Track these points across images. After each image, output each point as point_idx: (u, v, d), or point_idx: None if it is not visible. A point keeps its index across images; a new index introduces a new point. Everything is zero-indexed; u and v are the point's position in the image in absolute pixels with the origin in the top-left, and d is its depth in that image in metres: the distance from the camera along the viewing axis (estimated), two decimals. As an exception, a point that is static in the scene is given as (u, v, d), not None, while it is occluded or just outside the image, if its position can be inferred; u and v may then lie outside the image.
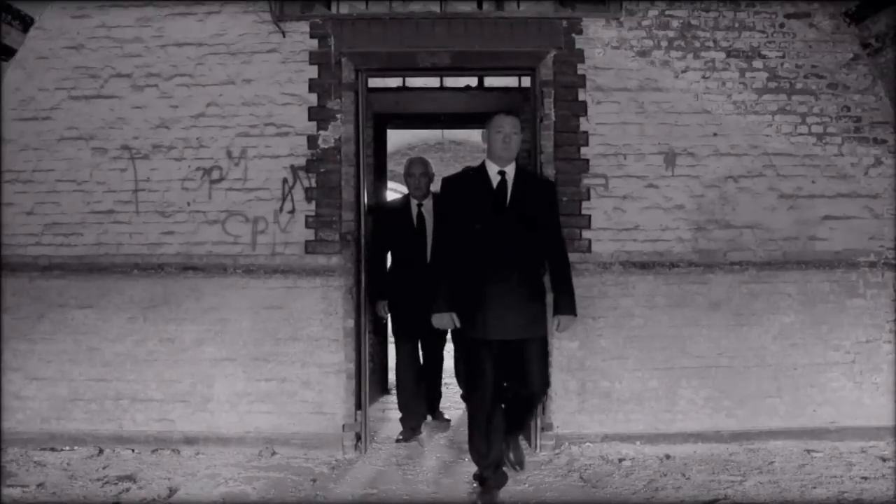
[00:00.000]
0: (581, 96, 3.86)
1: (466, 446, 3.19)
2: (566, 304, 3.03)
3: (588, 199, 3.86)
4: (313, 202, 3.85)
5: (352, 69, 3.85)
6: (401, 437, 4.04)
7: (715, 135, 3.89)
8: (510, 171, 3.03)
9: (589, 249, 3.84)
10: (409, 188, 4.21)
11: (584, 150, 3.86)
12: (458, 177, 3.12)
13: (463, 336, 3.03)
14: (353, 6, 3.89)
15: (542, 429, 3.77)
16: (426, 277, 3.74)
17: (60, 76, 3.91)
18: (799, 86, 3.92)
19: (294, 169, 3.86)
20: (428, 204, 4.19)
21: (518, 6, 3.86)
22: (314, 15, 3.88)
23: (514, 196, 2.97)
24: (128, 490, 3.21)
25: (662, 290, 3.86)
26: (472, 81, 5.12)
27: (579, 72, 3.86)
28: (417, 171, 4.14)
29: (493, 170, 3.03)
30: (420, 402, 4.18)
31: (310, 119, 3.86)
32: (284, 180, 3.85)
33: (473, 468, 3.22)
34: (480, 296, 2.90)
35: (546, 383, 3.07)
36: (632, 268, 3.86)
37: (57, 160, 3.90)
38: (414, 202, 4.19)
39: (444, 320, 2.95)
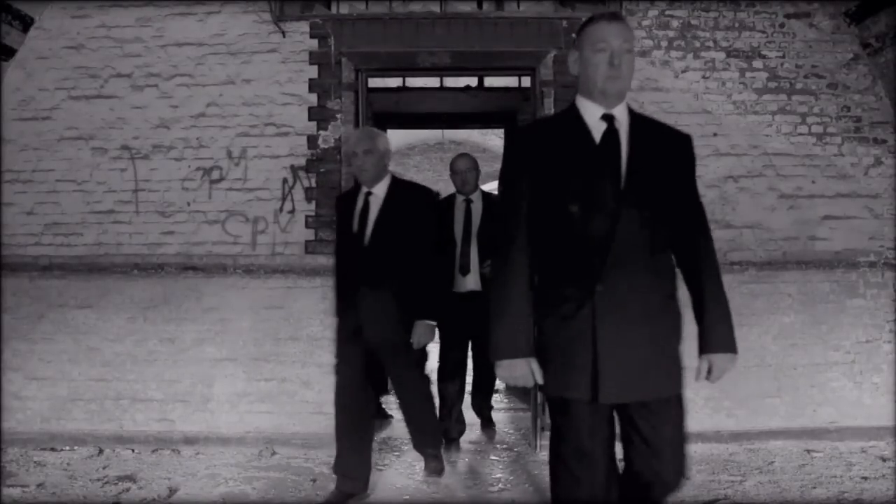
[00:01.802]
0: (581, 96, 3.86)
1: (466, 447, 3.19)
2: (723, 336, 1.89)
3: (588, 199, 3.85)
4: (313, 202, 3.85)
5: (352, 69, 3.85)
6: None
7: (715, 135, 3.89)
8: (621, 115, 1.78)
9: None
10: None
11: (584, 150, 3.86)
12: (535, 127, 1.97)
13: (548, 398, 1.81)
14: (353, 6, 3.89)
15: (542, 429, 3.77)
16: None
17: (60, 76, 3.91)
18: (799, 86, 3.92)
19: (294, 169, 3.86)
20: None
21: (518, 6, 3.86)
22: (314, 15, 3.88)
23: (631, 157, 1.73)
24: (128, 490, 3.21)
25: (662, 290, 3.86)
26: (472, 81, 5.12)
27: (579, 72, 3.85)
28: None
29: (592, 114, 1.75)
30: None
31: (310, 119, 3.86)
32: (284, 180, 3.85)
33: (473, 467, 3.21)
34: (581, 327, 1.68)
35: (684, 466, 1.82)
36: (632, 268, 3.86)
37: (57, 160, 3.90)
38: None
39: (519, 371, 1.72)
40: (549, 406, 1.83)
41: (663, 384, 1.76)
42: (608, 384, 1.67)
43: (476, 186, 3.90)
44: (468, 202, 3.87)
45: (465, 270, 3.76)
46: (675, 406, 1.80)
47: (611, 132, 1.74)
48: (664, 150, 1.82)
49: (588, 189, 1.70)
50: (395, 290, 2.94)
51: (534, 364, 1.74)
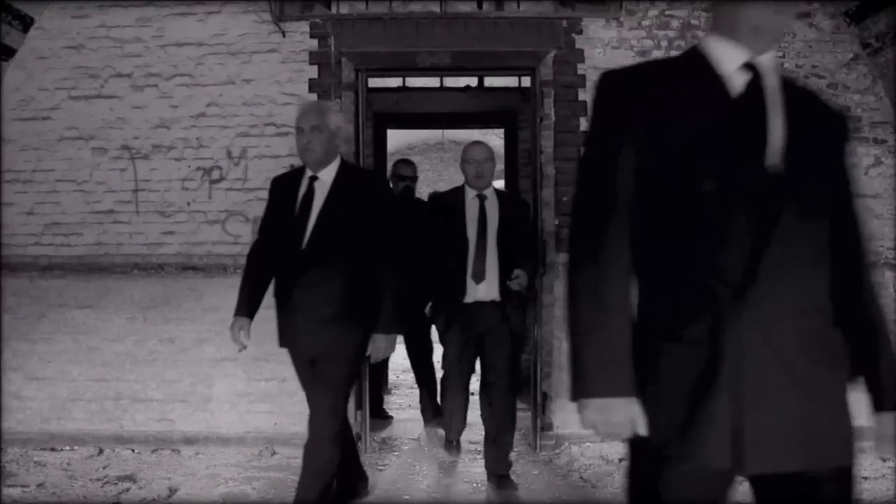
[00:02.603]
0: (581, 96, 3.86)
1: (467, 447, 3.19)
2: None
3: (588, 199, 3.84)
4: (313, 202, 3.85)
5: (352, 69, 3.85)
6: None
7: (715, 135, 3.89)
8: (770, 67, 1.26)
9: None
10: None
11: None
12: (641, 72, 1.36)
13: (643, 453, 1.27)
14: (353, 6, 3.89)
15: (542, 429, 3.77)
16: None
17: (60, 76, 3.91)
18: (799, 86, 3.91)
19: (294, 169, 3.86)
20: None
21: (518, 6, 3.86)
22: (314, 15, 3.88)
23: (785, 124, 1.22)
24: (128, 490, 3.21)
25: (662, 290, 3.85)
26: (472, 81, 5.13)
27: (579, 72, 3.86)
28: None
29: (729, 59, 1.25)
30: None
31: (310, 119, 3.86)
32: (284, 180, 3.85)
33: (472, 467, 3.21)
34: (713, 358, 1.16)
35: None
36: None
37: (57, 160, 3.90)
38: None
39: (616, 416, 1.19)
40: (638, 458, 1.29)
41: (836, 448, 1.22)
42: (758, 444, 1.14)
43: (491, 181, 3.39)
44: (482, 198, 3.33)
45: (479, 278, 3.20)
46: (847, 482, 1.26)
47: (755, 86, 1.23)
48: (821, 125, 1.29)
49: (726, 162, 1.19)
50: (340, 293, 2.52)
51: (636, 408, 1.20)
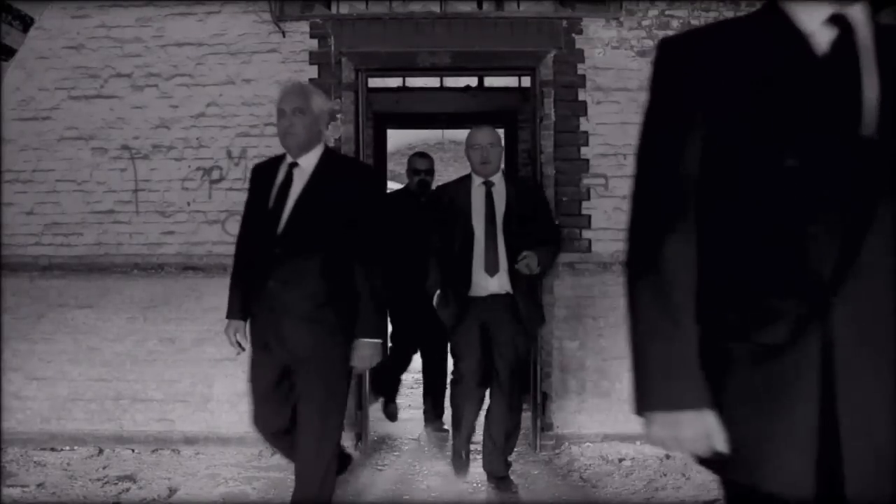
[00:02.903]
0: (581, 96, 3.86)
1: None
2: None
3: (588, 199, 3.85)
4: (313, 202, 3.85)
5: (352, 69, 3.85)
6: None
7: (715, 135, 3.89)
8: (859, 20, 1.06)
9: (589, 249, 3.84)
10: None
11: (584, 150, 3.86)
12: (707, 35, 1.19)
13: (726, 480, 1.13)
14: (353, 6, 3.89)
15: (542, 429, 3.77)
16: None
17: (60, 76, 3.91)
18: (799, 86, 3.91)
19: (294, 169, 3.85)
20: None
21: (518, 6, 3.86)
22: (314, 15, 3.87)
23: (882, 86, 1.02)
24: (128, 490, 3.21)
25: (662, 290, 3.85)
26: (472, 81, 5.12)
27: (579, 72, 3.86)
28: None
29: (811, 15, 1.06)
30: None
31: (310, 119, 3.86)
32: (284, 180, 3.85)
33: (473, 467, 3.21)
34: (800, 366, 1.00)
35: None
36: (632, 268, 3.85)
37: (57, 160, 3.90)
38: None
39: (688, 430, 1.05)
40: (732, 494, 1.13)
41: None
42: (857, 468, 0.97)
43: (499, 166, 3.19)
44: (488, 186, 3.13)
45: (493, 270, 3.02)
46: None
47: (845, 42, 1.04)
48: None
49: (813, 133, 1.01)
50: (318, 291, 2.31)
51: (711, 420, 1.05)
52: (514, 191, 3.12)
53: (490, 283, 3.02)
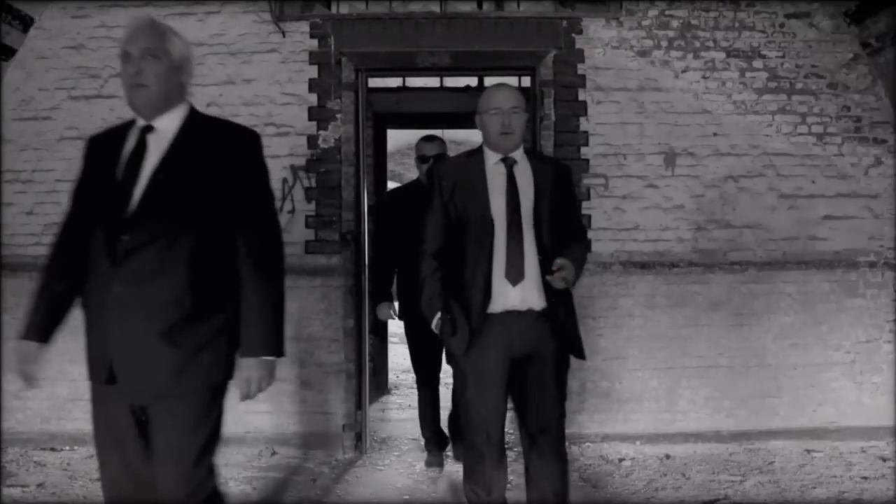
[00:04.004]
0: (581, 96, 3.86)
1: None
2: None
3: (588, 199, 3.85)
4: (313, 202, 3.85)
5: (352, 69, 3.85)
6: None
7: (715, 135, 3.89)
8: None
9: (589, 249, 3.84)
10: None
11: (584, 150, 3.86)
12: None
13: None
14: (353, 6, 3.89)
15: (542, 429, 3.77)
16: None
17: (60, 76, 3.91)
18: (799, 86, 3.91)
19: (294, 169, 3.86)
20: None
21: (518, 6, 3.86)
22: (314, 15, 3.88)
23: None
24: (128, 490, 3.21)
25: (662, 289, 3.86)
26: (472, 81, 5.12)
27: (579, 72, 3.86)
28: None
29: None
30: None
31: (310, 119, 3.86)
32: (284, 180, 3.85)
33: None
34: None
35: None
36: (632, 268, 3.86)
37: (57, 160, 3.90)
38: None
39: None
40: None
41: None
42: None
43: (521, 140, 2.36)
44: (509, 164, 2.31)
45: (516, 276, 2.20)
46: None
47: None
48: None
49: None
50: (183, 294, 1.68)
51: None
52: (543, 172, 2.34)
53: (511, 294, 2.20)
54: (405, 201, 3.58)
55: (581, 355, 2.32)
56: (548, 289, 2.21)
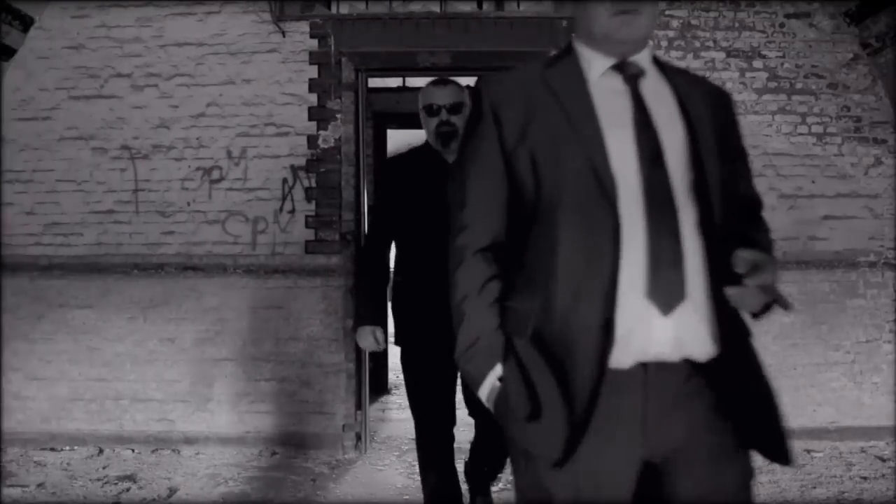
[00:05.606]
0: (581, 96, 3.86)
1: (465, 446, 3.16)
2: None
3: (588, 199, 3.85)
4: (313, 202, 3.85)
5: (352, 69, 3.85)
6: None
7: (715, 135, 3.89)
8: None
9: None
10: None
11: (584, 150, 3.85)
12: None
13: None
14: (353, 6, 3.89)
15: (542, 429, 3.76)
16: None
17: (60, 76, 3.91)
18: (799, 86, 3.91)
19: (294, 169, 3.86)
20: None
21: (518, 6, 3.86)
22: (314, 15, 3.88)
23: None
24: (128, 490, 3.21)
25: (662, 290, 3.85)
26: (472, 81, 5.12)
27: (579, 72, 3.85)
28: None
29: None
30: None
31: (310, 119, 3.86)
32: (284, 180, 3.85)
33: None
34: None
35: None
36: (632, 268, 3.85)
37: (57, 160, 3.90)
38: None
39: None
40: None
41: None
42: None
43: (652, 30, 1.39)
44: (632, 79, 1.22)
45: (675, 295, 1.12)
46: None
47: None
48: None
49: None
50: None
51: None
52: (693, 95, 1.27)
53: (658, 331, 1.12)
54: (409, 173, 2.45)
55: (785, 459, 1.23)
56: (722, 319, 1.16)
